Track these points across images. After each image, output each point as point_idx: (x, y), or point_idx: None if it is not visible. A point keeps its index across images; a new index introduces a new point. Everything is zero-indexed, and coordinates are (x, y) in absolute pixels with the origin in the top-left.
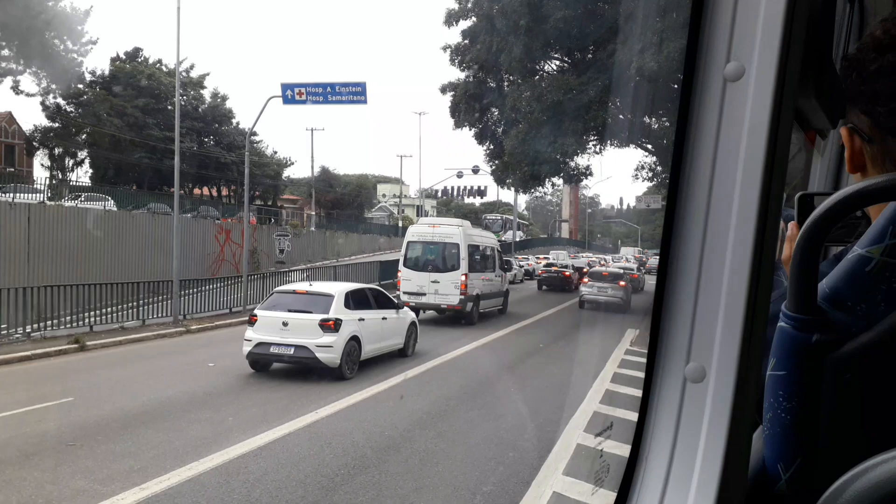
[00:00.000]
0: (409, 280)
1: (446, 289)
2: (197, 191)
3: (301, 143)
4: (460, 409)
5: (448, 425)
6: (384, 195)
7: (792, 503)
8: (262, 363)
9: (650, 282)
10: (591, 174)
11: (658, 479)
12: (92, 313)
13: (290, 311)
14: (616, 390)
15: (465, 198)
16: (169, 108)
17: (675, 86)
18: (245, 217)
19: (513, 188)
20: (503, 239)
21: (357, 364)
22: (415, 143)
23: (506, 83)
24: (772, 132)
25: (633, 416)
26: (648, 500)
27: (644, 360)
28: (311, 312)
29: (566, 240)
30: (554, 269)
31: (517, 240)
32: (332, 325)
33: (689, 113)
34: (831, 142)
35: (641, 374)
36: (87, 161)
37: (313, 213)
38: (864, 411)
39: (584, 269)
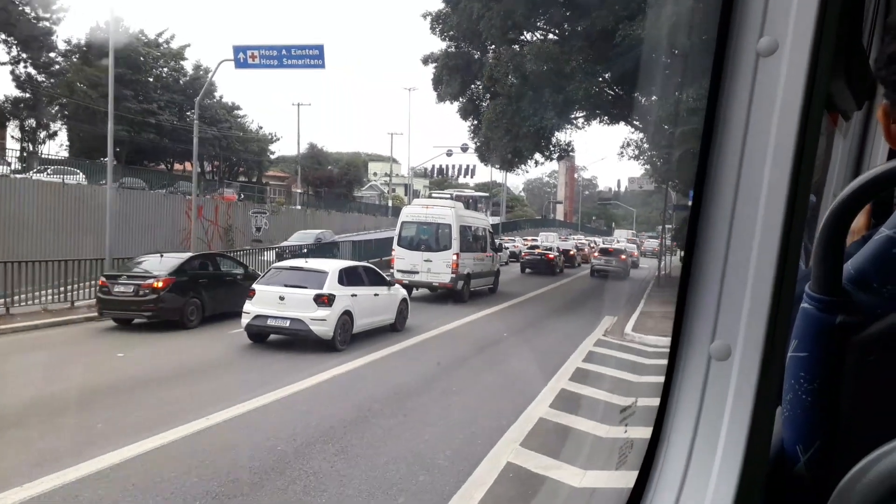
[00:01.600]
0: (402, 259)
1: (438, 267)
2: (178, 166)
3: (291, 120)
4: (384, 414)
5: (359, 437)
6: (375, 174)
7: (810, 484)
8: (260, 334)
9: (643, 263)
10: (573, 150)
11: (681, 457)
12: (17, 293)
13: (286, 286)
14: (574, 390)
15: (460, 177)
16: (149, 79)
17: (666, 59)
18: (193, 190)
19: (496, 166)
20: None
21: (349, 337)
22: (407, 120)
23: (490, 53)
24: (804, 110)
25: (585, 424)
26: (671, 478)
27: (607, 349)
28: (306, 288)
29: (560, 222)
30: (538, 251)
31: (502, 221)
32: (325, 300)
33: (721, 88)
34: (854, 123)
35: (605, 370)
36: (61, 133)
37: (299, 190)
38: (887, 394)
39: (571, 252)
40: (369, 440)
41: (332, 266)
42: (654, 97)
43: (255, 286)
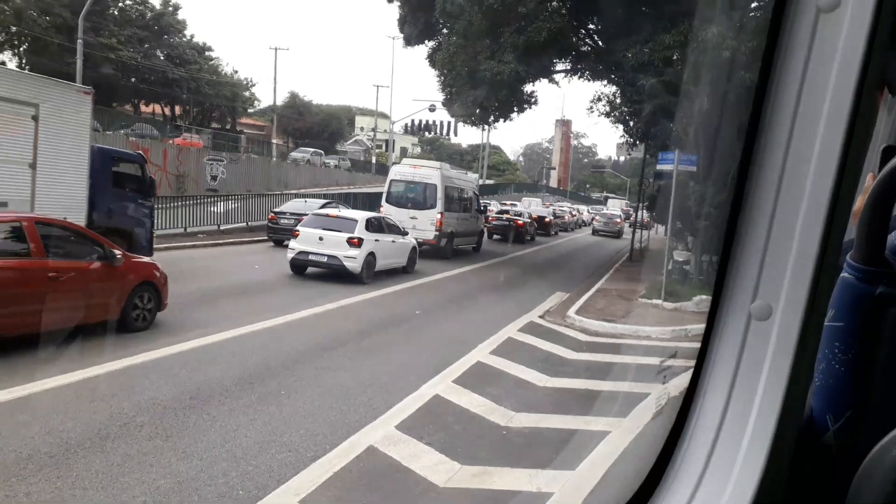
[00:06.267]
0: (390, 215)
1: (423, 225)
2: (146, 108)
3: (278, 67)
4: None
5: (183, 422)
6: (362, 128)
7: (838, 454)
8: (302, 266)
9: (628, 234)
10: (535, 102)
11: (715, 415)
12: None
13: (324, 229)
14: (450, 399)
15: (451, 135)
16: (111, 11)
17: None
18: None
19: (461, 120)
20: None
21: (373, 273)
22: (391, 71)
23: None
24: (863, 70)
25: (429, 461)
26: (703, 435)
27: (532, 337)
28: (340, 231)
29: (553, 188)
30: (506, 216)
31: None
32: (356, 243)
33: (778, 44)
34: None
35: (510, 367)
36: (10, 65)
37: (275, 141)
38: None
39: (547, 220)
40: (192, 433)
41: (361, 215)
42: (628, 54)
43: (298, 228)
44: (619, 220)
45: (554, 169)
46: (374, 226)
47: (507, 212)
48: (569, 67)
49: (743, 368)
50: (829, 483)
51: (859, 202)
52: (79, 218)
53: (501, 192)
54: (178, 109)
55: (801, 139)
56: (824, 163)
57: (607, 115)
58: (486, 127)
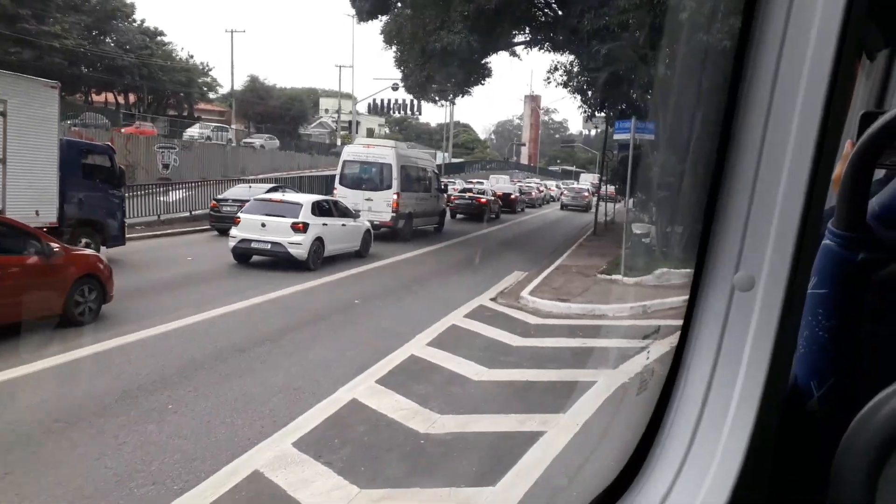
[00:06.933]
0: (344, 197)
1: (379, 206)
2: (99, 97)
3: (236, 51)
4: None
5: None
6: (327, 110)
7: (823, 419)
8: (244, 255)
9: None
10: (488, 75)
11: (700, 386)
12: None
13: (267, 214)
14: (367, 404)
15: (418, 114)
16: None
17: None
18: None
19: (416, 96)
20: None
21: (321, 259)
22: (358, 50)
23: None
24: (842, 36)
25: (322, 487)
26: (689, 408)
27: (477, 323)
28: (284, 217)
29: (524, 165)
30: (469, 195)
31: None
32: (301, 228)
33: (756, 10)
34: (878, 64)
35: (445, 360)
36: None
37: (234, 126)
38: None
39: (513, 196)
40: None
41: (306, 199)
42: (586, 24)
43: (239, 214)
44: (586, 193)
45: (524, 145)
46: (322, 209)
47: (469, 190)
48: (528, 39)
49: (727, 340)
50: (814, 449)
51: (839, 169)
52: (50, 211)
53: (468, 170)
54: (132, 97)
55: (781, 107)
56: (804, 130)
57: (564, 84)
58: (446, 103)
